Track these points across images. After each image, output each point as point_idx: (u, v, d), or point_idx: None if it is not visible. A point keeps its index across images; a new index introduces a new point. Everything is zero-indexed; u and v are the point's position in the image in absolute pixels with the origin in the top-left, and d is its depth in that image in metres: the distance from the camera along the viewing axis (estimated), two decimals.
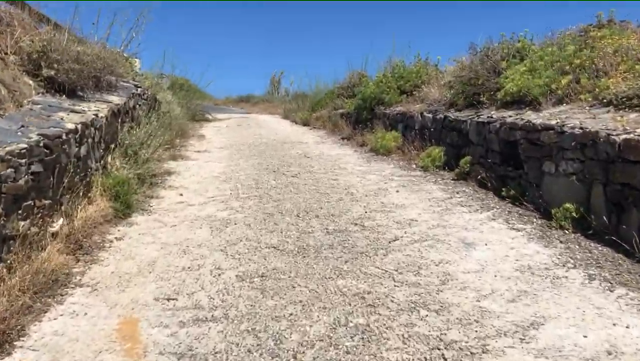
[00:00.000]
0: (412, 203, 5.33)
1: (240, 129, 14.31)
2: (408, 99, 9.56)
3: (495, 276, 3.30)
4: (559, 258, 3.55)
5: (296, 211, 5.05)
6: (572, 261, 3.49)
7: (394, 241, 4.08)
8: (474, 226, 4.42)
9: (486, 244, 3.93)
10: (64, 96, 5.20)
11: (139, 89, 7.82)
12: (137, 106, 7.38)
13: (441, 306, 2.87)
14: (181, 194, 5.77)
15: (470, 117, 6.54)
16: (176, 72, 18.52)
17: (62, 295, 3.11)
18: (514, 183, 5.22)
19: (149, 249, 3.99)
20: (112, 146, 5.64)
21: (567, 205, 4.13)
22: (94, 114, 4.98)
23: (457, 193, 5.71)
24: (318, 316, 2.80)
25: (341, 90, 14.39)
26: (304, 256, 3.76)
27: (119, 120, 6.01)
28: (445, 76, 8.87)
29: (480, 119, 6.18)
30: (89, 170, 4.65)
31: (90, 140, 4.69)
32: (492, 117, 5.95)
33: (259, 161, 8.00)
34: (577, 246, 3.75)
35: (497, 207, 5.01)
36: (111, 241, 4.15)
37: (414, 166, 7.34)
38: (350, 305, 2.93)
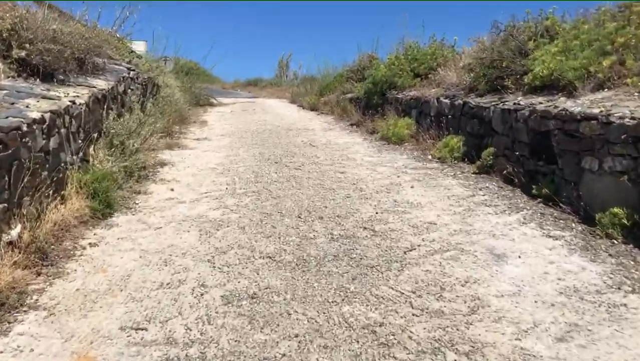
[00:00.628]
0: (430, 201, 4.72)
1: (244, 114, 13.70)
2: (422, 83, 8.88)
3: (536, 301, 2.70)
4: (611, 278, 2.94)
5: (297, 210, 4.47)
6: (628, 282, 2.88)
7: (410, 251, 3.49)
8: (503, 232, 3.81)
9: (520, 257, 3.33)
10: (37, 80, 4.63)
11: (132, 72, 7.22)
12: (129, 90, 6.80)
13: (472, 347, 2.29)
14: (172, 189, 5.21)
15: (493, 103, 5.88)
16: (179, 55, 17.94)
17: (9, 323, 2.57)
18: (546, 180, 4.59)
19: (126, 259, 3.44)
20: (95, 135, 5.07)
21: (615, 210, 3.50)
22: (70, 101, 4.40)
23: (480, 189, 5.08)
24: (317, 360, 2.23)
25: (350, 73, 13.71)
26: (304, 271, 3.18)
27: (105, 106, 5.44)
28: (464, 58, 8.17)
29: (505, 106, 5.52)
30: (62, 165, 4.08)
31: (63, 130, 4.12)
32: (519, 104, 5.29)
33: (261, 151, 7.41)
34: (632, 262, 3.13)
35: (528, 207, 4.39)
36: (84, 248, 3.60)
37: (430, 157, 6.71)
38: (357, 342, 2.36)
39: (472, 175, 5.68)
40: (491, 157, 5.57)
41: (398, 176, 5.73)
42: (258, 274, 3.15)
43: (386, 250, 3.51)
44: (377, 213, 4.37)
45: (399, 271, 3.15)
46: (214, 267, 3.28)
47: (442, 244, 3.60)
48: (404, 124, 7.97)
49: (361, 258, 3.37)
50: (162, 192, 5.12)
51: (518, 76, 5.84)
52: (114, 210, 4.39)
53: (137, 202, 4.74)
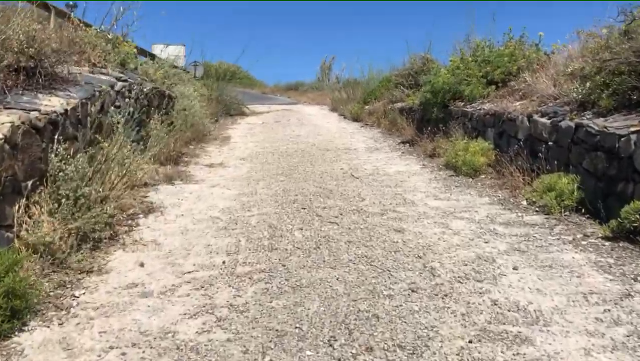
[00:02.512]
0: (555, 306, 2.75)
1: (277, 127, 11.95)
2: (499, 93, 6.83)
3: None
4: None
5: (329, 324, 2.61)
6: None
7: None
8: None
9: None
10: None
11: (120, 84, 5.57)
12: (113, 108, 5.15)
13: None
14: (142, 264, 3.45)
15: (633, 129, 3.82)
16: (215, 59, 16.52)
17: None
18: None
19: None
20: (30, 183, 3.39)
21: None
22: None
23: (635, 278, 3.06)
24: None
25: (400, 78, 11.75)
26: None
27: (54, 138, 3.76)
28: (559, 59, 6.09)
29: None
30: None
31: None
32: None
33: (286, 187, 5.57)
34: None
35: None
36: None
37: (525, 202, 4.68)
38: None
39: (604, 242, 3.64)
40: (638, 216, 3.52)
41: (486, 242, 3.76)
42: None
43: None
44: (470, 340, 2.44)
45: None
46: None
47: None
48: (477, 149, 5.96)
49: None
50: (125, 269, 3.37)
51: None
52: (28, 318, 2.68)
53: (78, 294, 3.01)
